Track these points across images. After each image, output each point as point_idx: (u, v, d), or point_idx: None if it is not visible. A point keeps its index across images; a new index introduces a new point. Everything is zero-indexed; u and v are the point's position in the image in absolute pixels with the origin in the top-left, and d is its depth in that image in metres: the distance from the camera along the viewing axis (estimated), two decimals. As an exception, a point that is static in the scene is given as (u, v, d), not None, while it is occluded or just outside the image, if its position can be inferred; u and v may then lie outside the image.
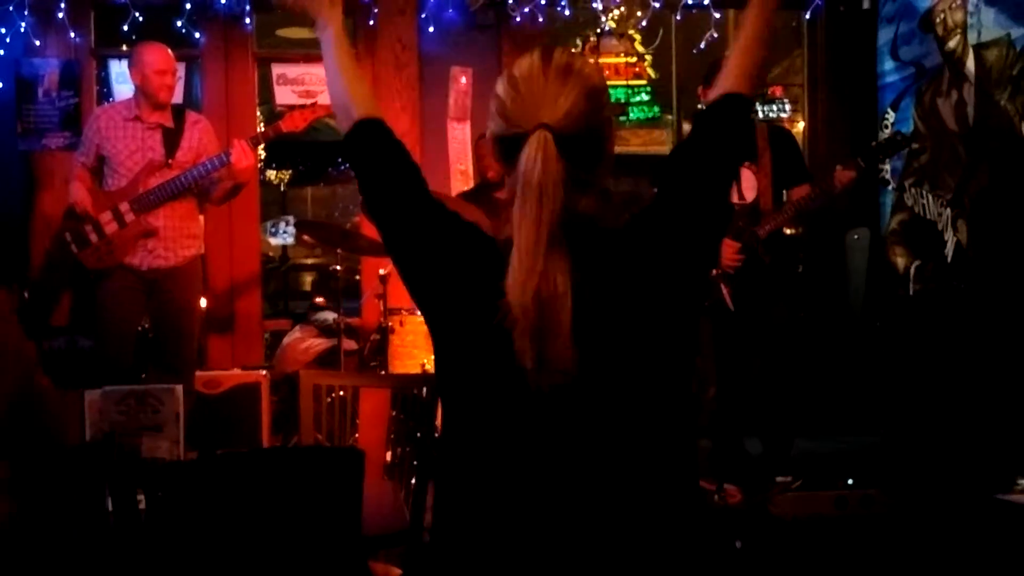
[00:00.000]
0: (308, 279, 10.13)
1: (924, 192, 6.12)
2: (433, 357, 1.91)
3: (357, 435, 4.68)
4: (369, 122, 1.94)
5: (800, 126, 7.51)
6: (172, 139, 5.20)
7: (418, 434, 3.53)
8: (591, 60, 1.87)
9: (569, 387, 1.70)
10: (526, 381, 1.70)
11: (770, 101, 7.75)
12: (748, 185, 5.09)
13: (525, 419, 1.73)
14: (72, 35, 6.34)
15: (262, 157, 8.00)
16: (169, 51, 5.23)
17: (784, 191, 5.23)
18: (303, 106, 5.46)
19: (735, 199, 5.05)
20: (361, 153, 1.94)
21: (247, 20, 6.52)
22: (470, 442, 1.81)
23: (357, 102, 1.96)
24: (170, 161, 5.15)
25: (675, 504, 1.77)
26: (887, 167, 6.46)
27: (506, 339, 1.71)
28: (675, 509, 1.77)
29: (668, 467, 1.77)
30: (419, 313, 5.64)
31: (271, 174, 10.44)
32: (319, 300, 6.36)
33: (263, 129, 5.65)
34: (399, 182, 1.91)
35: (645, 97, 8.28)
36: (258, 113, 7.24)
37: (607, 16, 6.96)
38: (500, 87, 1.85)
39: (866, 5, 6.74)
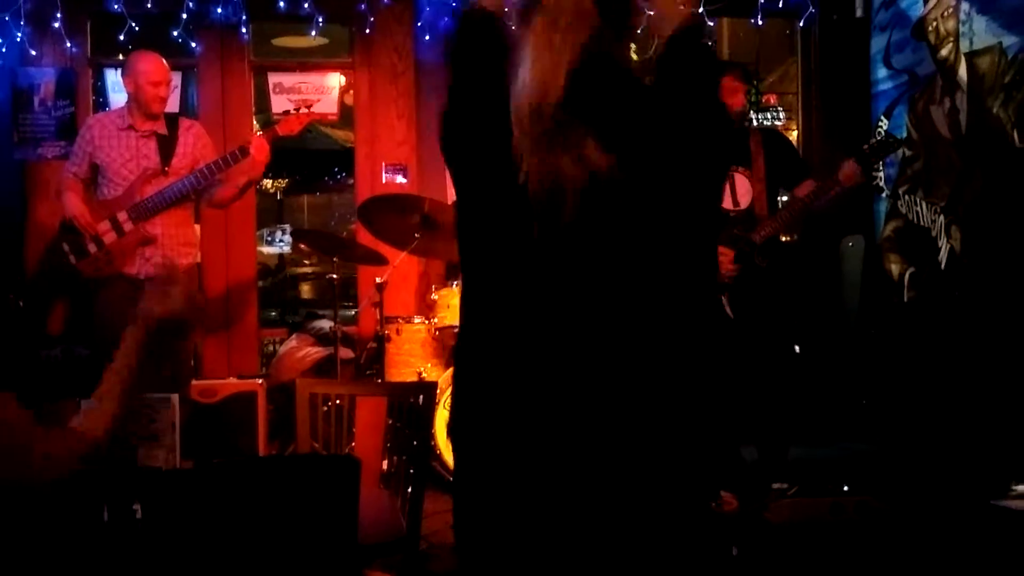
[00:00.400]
0: (306, 287, 10.14)
1: (918, 199, 6.14)
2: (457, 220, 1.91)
3: (353, 443, 4.68)
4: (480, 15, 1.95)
5: (794, 134, 7.53)
6: (167, 146, 5.20)
7: (414, 443, 3.54)
8: None
9: (573, 235, 1.70)
10: (524, 230, 1.71)
11: (764, 109, 7.77)
12: (743, 191, 5.06)
13: (533, 267, 1.75)
14: (68, 44, 6.36)
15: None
16: (164, 61, 5.23)
17: (783, 193, 5.22)
18: (297, 110, 5.47)
19: (729, 205, 5.04)
20: (465, 46, 1.98)
21: (243, 29, 6.54)
22: (484, 289, 1.83)
23: None
24: (166, 168, 5.16)
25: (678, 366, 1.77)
26: (881, 174, 6.48)
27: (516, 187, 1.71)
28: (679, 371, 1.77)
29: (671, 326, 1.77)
30: (416, 321, 5.69)
31: (267, 182, 10.45)
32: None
33: (261, 134, 5.66)
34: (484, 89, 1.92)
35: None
36: (254, 122, 7.24)
37: (602, 24, 6.96)
38: None
39: (859, 13, 6.76)
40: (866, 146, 5.07)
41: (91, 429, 2.12)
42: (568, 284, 1.73)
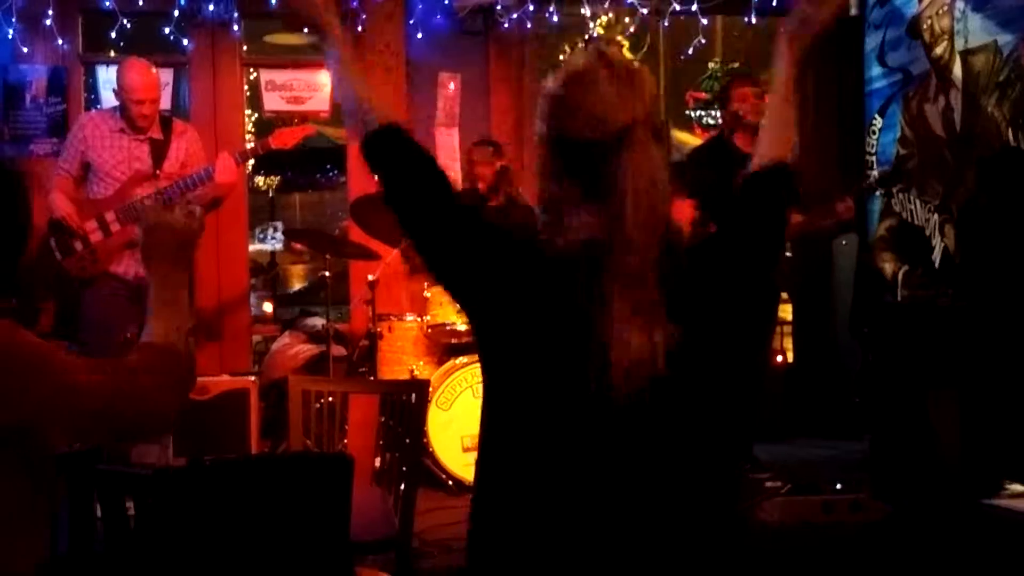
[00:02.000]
0: (298, 286, 10.12)
1: (912, 198, 6.14)
2: (482, 370, 1.86)
3: (346, 441, 4.67)
4: (388, 128, 1.89)
5: (787, 132, 7.53)
6: (159, 150, 5.18)
7: (407, 440, 3.53)
8: (644, 67, 1.84)
9: (643, 401, 1.68)
10: (593, 394, 1.68)
11: (757, 107, 7.77)
12: None
13: (589, 432, 1.71)
14: (60, 41, 6.33)
15: (251, 164, 7.98)
16: (151, 71, 5.17)
17: None
18: (294, 122, 5.45)
19: None
20: (380, 160, 1.89)
21: (235, 27, 6.52)
22: (523, 454, 1.77)
23: (373, 109, 1.91)
24: (157, 172, 5.14)
25: (718, 529, 1.77)
26: (874, 172, 6.48)
27: (569, 350, 1.68)
28: (718, 534, 1.77)
29: (717, 493, 1.78)
30: (408, 318, 5.68)
31: (259, 180, 10.43)
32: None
33: (252, 144, 5.63)
34: (424, 184, 1.86)
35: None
36: (246, 119, 7.23)
37: (595, 22, 6.97)
38: (554, 86, 1.80)
39: (853, 11, 6.76)
40: (880, 172, 5.23)
41: (169, 338, 1.95)
42: (634, 451, 1.72)
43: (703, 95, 8.88)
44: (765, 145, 1.95)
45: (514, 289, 1.76)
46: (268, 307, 6.93)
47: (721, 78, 8.01)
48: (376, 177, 1.90)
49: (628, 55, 7.84)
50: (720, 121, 5.73)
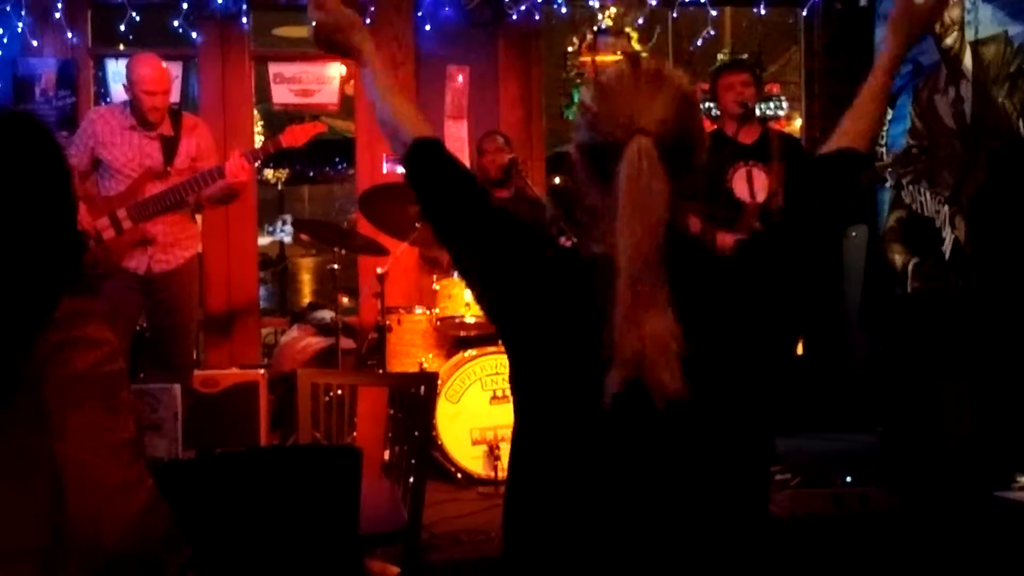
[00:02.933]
0: (307, 278, 10.14)
1: (922, 189, 6.12)
2: (510, 376, 1.86)
3: (355, 434, 4.68)
4: (422, 143, 1.91)
5: (797, 123, 7.51)
6: (170, 146, 5.16)
7: (416, 433, 3.53)
8: (679, 70, 1.80)
9: (662, 415, 1.65)
10: (608, 407, 1.65)
11: (767, 99, 7.74)
12: (760, 186, 5.20)
13: (605, 446, 1.70)
14: (69, 35, 6.34)
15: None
16: (162, 66, 5.16)
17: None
18: (303, 119, 5.43)
19: (747, 198, 5.16)
20: (419, 174, 1.91)
21: (244, 19, 6.52)
22: (546, 464, 1.77)
23: (407, 125, 1.94)
24: (169, 168, 5.13)
25: (748, 537, 1.75)
26: (884, 150, 6.47)
27: (591, 362, 1.66)
28: (748, 542, 1.75)
29: (745, 503, 1.75)
30: (416, 311, 5.67)
31: (268, 173, 10.44)
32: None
33: (263, 143, 5.61)
34: (460, 198, 1.87)
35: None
36: (255, 112, 7.22)
37: (603, 14, 6.96)
38: (587, 96, 1.80)
39: (863, 2, 6.73)
40: (893, 155, 5.16)
41: None
42: (658, 456, 1.70)
43: (712, 86, 8.84)
44: (843, 130, 1.90)
45: (545, 292, 1.76)
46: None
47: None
48: (413, 188, 1.92)
49: (636, 46, 7.86)
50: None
